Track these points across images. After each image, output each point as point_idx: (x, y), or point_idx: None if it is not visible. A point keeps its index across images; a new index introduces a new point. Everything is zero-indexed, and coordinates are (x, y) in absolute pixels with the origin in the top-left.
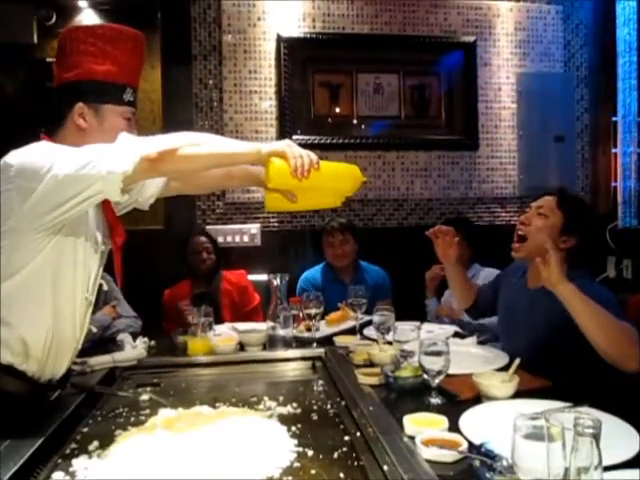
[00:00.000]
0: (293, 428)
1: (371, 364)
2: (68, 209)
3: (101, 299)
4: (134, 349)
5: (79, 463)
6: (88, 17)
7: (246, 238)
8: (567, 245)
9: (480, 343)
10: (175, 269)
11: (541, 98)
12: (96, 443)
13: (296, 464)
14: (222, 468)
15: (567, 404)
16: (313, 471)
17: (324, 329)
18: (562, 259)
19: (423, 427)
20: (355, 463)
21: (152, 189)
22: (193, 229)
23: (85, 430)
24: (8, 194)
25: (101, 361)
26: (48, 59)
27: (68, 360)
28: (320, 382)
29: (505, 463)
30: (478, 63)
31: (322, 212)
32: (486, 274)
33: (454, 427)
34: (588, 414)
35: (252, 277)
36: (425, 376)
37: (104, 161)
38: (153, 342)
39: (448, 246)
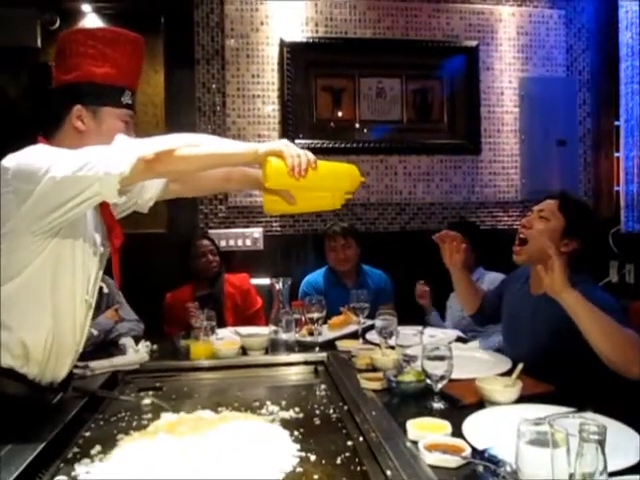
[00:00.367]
0: (295, 433)
1: (374, 369)
2: (66, 211)
3: (103, 302)
4: (136, 353)
5: (81, 467)
6: (92, 21)
7: (248, 242)
8: (568, 249)
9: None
10: (177, 273)
11: (543, 102)
12: (98, 447)
13: (299, 469)
14: (224, 473)
15: (570, 409)
16: (316, 476)
17: (326, 333)
18: (564, 263)
19: (426, 432)
20: (358, 468)
21: (151, 191)
22: (195, 233)
23: (87, 434)
24: (6, 197)
25: (103, 365)
26: (51, 63)
27: (69, 363)
28: (322, 386)
29: (509, 469)
30: (480, 67)
31: (324, 216)
32: (491, 278)
33: (457, 432)
34: (592, 420)
35: (254, 281)
36: (428, 381)
37: (101, 162)
38: (155, 346)
39: (455, 251)
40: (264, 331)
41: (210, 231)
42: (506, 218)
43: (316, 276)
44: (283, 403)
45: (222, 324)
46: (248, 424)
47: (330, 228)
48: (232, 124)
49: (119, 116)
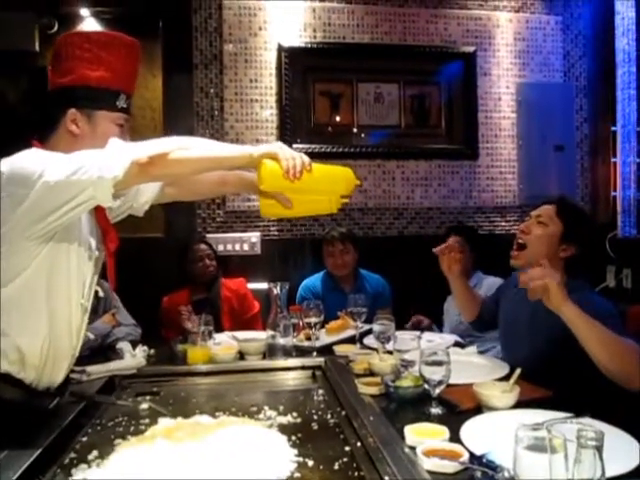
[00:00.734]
0: (293, 438)
1: (371, 373)
2: (61, 215)
3: (100, 307)
4: (133, 357)
5: (78, 473)
6: (90, 26)
7: (246, 246)
8: (566, 254)
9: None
10: (175, 277)
11: (541, 108)
12: (95, 452)
13: (296, 474)
14: (222, 478)
15: (568, 415)
16: None
17: (324, 338)
18: (561, 269)
19: (424, 437)
20: (356, 474)
21: (147, 195)
22: (193, 237)
23: (84, 439)
24: (1, 201)
25: (100, 369)
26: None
27: (66, 367)
28: (320, 391)
29: (507, 474)
30: (478, 73)
31: (322, 220)
32: (490, 283)
33: (455, 437)
34: (590, 425)
35: (252, 285)
36: (426, 386)
37: (95, 166)
38: (152, 350)
39: (453, 262)
40: (262, 336)
41: (208, 235)
42: (504, 223)
43: (314, 281)
44: (281, 408)
45: (219, 328)
46: (246, 429)
47: (328, 233)
48: (230, 129)
49: (114, 120)
